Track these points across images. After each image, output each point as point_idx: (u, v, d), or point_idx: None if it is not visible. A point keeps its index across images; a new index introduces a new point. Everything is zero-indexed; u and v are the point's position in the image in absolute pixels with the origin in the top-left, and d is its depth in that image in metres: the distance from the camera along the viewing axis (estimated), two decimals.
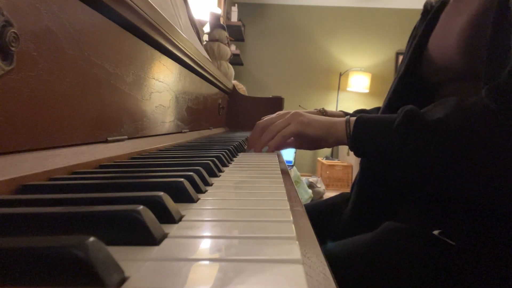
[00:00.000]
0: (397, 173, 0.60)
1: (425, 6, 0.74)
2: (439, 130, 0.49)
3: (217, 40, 1.78)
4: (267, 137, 0.67)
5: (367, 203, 0.69)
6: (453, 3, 0.66)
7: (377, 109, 0.93)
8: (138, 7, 0.54)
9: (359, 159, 0.70)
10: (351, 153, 0.62)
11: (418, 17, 0.77)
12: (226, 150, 0.62)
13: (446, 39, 0.62)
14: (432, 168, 0.51)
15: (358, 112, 0.95)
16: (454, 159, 0.48)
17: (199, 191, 0.35)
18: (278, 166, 0.53)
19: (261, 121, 0.71)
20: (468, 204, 0.53)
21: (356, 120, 0.59)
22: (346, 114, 0.90)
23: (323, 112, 0.88)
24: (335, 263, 0.54)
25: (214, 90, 1.36)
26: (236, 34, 3.98)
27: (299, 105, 4.03)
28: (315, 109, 0.89)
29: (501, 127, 0.46)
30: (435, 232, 0.54)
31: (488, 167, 0.47)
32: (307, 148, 0.71)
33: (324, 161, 3.94)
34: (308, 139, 0.65)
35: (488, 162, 0.46)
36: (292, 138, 0.67)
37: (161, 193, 0.26)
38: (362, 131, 0.59)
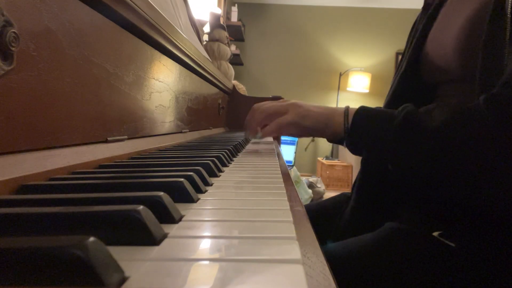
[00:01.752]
0: (389, 167, 0.60)
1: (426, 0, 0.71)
2: (435, 138, 0.49)
3: (217, 40, 1.78)
4: (260, 117, 0.66)
5: (367, 203, 0.69)
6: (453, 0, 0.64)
7: None
8: (138, 7, 0.54)
9: (360, 158, 0.70)
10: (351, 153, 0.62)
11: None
12: (226, 150, 0.62)
13: (443, 39, 0.61)
14: (424, 170, 0.51)
15: None
16: (447, 166, 0.48)
17: (199, 191, 0.35)
18: (278, 166, 0.53)
19: (258, 104, 0.70)
20: (468, 206, 0.53)
21: (355, 113, 0.59)
22: None
23: None
24: (335, 263, 0.54)
25: (214, 90, 1.36)
26: (236, 34, 3.98)
27: None
28: None
29: (498, 137, 0.45)
30: (435, 234, 0.54)
31: (482, 175, 0.46)
32: (303, 136, 0.70)
33: (324, 161, 3.94)
34: (305, 130, 0.65)
35: (482, 170, 0.46)
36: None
37: (161, 193, 0.26)
38: (359, 124, 0.58)
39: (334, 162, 3.89)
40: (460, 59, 0.56)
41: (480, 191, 0.48)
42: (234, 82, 1.90)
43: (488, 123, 0.46)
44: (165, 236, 0.22)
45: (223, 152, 0.58)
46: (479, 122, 0.47)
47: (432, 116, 0.50)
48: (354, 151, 0.63)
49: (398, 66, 0.74)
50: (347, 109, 0.60)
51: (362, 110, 0.59)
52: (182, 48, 0.80)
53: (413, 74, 0.67)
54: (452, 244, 0.52)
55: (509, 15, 0.49)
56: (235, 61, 4.00)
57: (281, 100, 0.69)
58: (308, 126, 0.63)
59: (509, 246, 0.49)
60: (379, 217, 0.64)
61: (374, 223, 0.60)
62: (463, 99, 0.58)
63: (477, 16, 0.54)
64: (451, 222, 0.55)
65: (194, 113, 1.03)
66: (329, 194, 3.01)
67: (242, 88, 2.02)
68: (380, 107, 0.64)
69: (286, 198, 0.32)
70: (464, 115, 0.48)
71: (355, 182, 0.73)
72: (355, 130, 0.58)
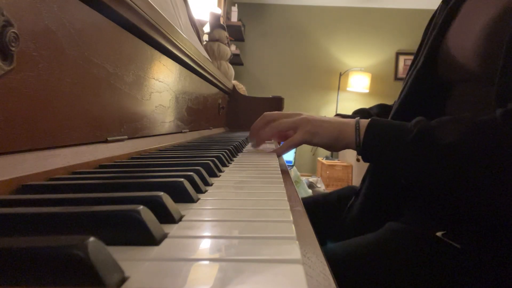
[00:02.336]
0: (403, 181, 0.60)
1: None
2: (451, 153, 0.48)
3: (217, 40, 1.78)
4: (270, 132, 0.66)
5: (374, 200, 0.68)
6: None
7: (377, 107, 0.91)
8: (138, 7, 0.54)
9: None
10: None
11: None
12: (226, 150, 0.62)
13: (464, 38, 0.59)
14: (438, 184, 0.51)
15: (357, 112, 0.93)
16: (462, 180, 0.48)
17: (199, 191, 0.35)
18: (278, 166, 0.53)
19: (269, 112, 0.69)
20: (473, 209, 0.53)
21: (367, 127, 0.57)
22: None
23: None
24: (335, 263, 0.54)
25: (214, 90, 1.36)
26: (236, 34, 3.98)
27: None
28: None
29: None
30: (439, 234, 0.54)
31: (498, 189, 0.46)
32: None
33: (324, 161, 3.94)
34: (315, 146, 0.64)
35: (499, 184, 0.46)
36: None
37: (161, 193, 0.26)
38: (371, 139, 0.57)
39: (334, 162, 3.89)
40: (479, 60, 0.55)
41: (495, 203, 0.47)
42: (234, 82, 1.90)
43: (506, 138, 0.45)
44: (165, 236, 0.22)
45: (223, 152, 0.58)
46: (496, 137, 0.46)
47: (446, 131, 0.50)
48: (368, 162, 0.63)
49: (412, 63, 0.73)
50: (358, 122, 0.59)
51: (374, 124, 0.57)
52: (182, 48, 0.80)
53: (429, 70, 0.65)
54: (457, 245, 0.51)
55: None
56: (235, 61, 4.00)
57: (291, 113, 0.67)
58: (318, 143, 0.62)
59: None
60: (383, 215, 0.64)
61: (378, 222, 0.60)
62: (477, 101, 0.58)
63: (500, 20, 0.53)
64: (456, 222, 0.55)
65: (194, 113, 1.03)
66: None
67: (242, 88, 2.02)
68: (389, 120, 0.63)
69: (286, 198, 0.32)
70: (480, 129, 0.47)
71: (364, 176, 0.72)
72: (367, 145, 0.57)
